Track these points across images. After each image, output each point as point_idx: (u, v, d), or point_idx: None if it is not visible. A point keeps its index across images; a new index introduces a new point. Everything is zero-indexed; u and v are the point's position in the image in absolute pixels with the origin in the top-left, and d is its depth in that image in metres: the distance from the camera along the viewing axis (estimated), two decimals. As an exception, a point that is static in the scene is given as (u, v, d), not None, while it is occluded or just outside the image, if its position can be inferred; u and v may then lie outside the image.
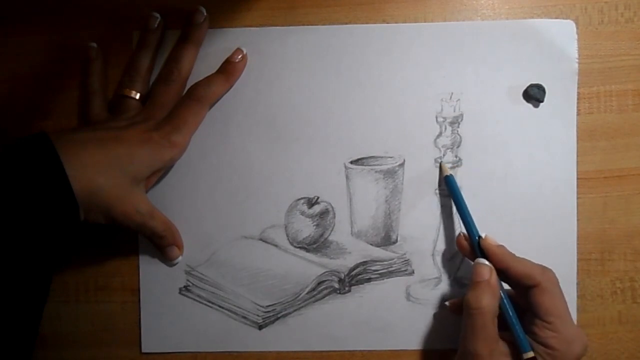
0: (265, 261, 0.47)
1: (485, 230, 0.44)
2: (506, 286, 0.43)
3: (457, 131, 0.46)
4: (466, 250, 0.44)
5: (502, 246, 0.43)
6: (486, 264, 0.41)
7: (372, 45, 0.47)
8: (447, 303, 0.45)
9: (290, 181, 0.47)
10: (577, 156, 0.46)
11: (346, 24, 0.47)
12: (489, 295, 0.40)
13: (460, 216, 0.44)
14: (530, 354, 0.40)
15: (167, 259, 0.47)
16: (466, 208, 0.44)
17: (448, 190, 0.46)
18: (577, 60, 0.46)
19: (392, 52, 0.47)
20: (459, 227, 0.46)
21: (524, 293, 0.41)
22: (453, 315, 0.45)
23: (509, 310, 0.41)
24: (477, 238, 0.43)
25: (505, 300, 0.41)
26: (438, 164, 0.46)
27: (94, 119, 0.46)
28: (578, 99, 0.47)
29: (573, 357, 0.40)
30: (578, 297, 0.46)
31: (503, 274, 0.42)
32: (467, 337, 0.40)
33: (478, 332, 0.39)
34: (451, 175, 0.46)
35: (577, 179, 0.46)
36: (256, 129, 0.47)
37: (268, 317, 0.47)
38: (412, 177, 0.47)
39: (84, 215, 0.40)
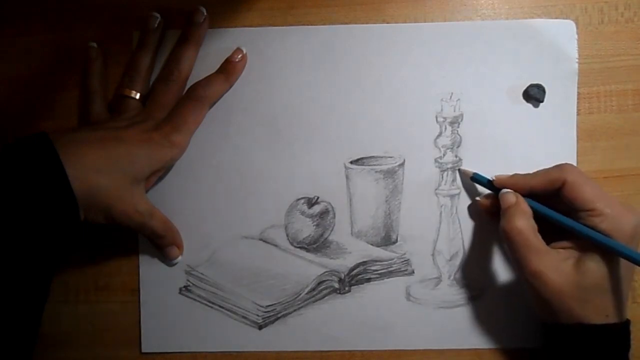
0: (265, 261, 0.47)
1: (485, 230, 0.44)
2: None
3: (457, 131, 0.46)
4: (488, 206, 0.44)
5: (515, 174, 0.43)
6: (510, 191, 0.42)
7: (372, 45, 0.47)
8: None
9: (290, 181, 0.47)
10: (577, 156, 0.46)
11: (346, 24, 0.47)
12: (520, 214, 0.40)
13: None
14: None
15: (167, 259, 0.47)
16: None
17: (481, 183, 0.45)
18: (577, 60, 0.46)
19: (392, 52, 0.47)
20: (459, 228, 0.46)
21: (557, 197, 0.41)
22: (453, 314, 0.45)
23: (551, 212, 0.41)
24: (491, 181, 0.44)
25: (540, 209, 0.41)
26: (438, 164, 0.46)
27: (94, 119, 0.46)
28: (578, 99, 0.47)
29: (629, 231, 0.39)
30: (578, 297, 0.46)
31: (529, 195, 0.42)
32: (517, 260, 0.40)
33: (524, 250, 0.39)
34: (475, 172, 0.45)
35: (577, 179, 0.46)
36: (256, 129, 0.47)
37: (268, 317, 0.47)
38: (412, 177, 0.47)
39: (84, 215, 0.40)
